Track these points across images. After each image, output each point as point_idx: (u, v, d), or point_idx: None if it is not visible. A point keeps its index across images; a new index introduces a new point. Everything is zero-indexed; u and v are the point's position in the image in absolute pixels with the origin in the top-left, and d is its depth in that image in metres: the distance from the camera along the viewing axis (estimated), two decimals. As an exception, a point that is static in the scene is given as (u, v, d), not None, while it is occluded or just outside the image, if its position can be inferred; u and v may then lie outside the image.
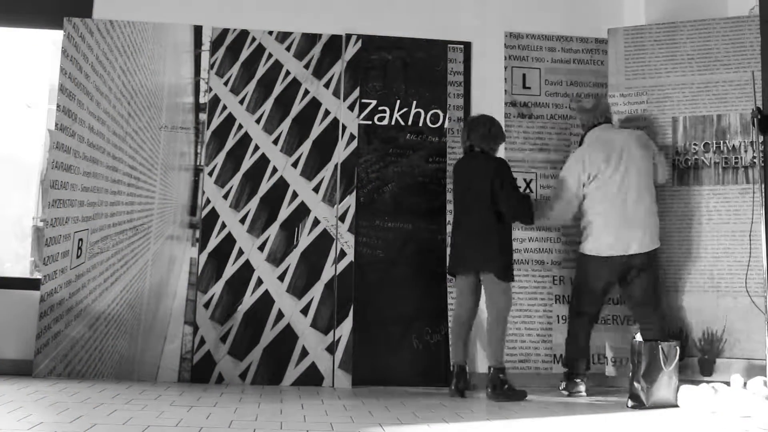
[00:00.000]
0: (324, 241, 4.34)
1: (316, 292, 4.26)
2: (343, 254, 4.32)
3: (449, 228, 4.34)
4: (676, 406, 3.68)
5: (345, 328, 4.24)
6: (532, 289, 4.43)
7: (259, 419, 3.04)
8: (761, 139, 4.18)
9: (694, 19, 4.50)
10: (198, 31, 4.46)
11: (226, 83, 4.44)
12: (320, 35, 4.52)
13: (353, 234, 4.35)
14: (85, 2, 4.43)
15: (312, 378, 4.18)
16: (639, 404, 3.63)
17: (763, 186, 4.21)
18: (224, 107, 4.42)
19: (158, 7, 4.50)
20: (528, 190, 4.50)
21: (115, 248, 4.22)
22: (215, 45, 4.46)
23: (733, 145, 4.33)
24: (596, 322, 4.20)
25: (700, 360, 4.21)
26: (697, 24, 4.47)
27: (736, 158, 4.32)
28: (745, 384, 3.60)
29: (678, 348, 3.73)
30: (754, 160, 4.23)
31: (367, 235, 4.40)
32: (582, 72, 4.67)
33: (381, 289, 4.37)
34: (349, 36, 4.54)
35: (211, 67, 4.45)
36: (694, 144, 4.38)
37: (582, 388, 4.04)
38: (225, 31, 4.48)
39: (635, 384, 3.66)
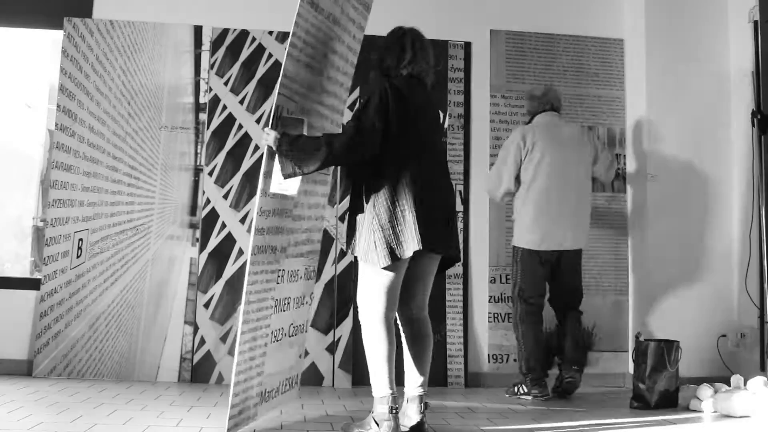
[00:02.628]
0: (324, 241, 4.32)
1: (316, 292, 4.26)
2: (343, 254, 4.32)
3: None
4: (678, 405, 3.68)
5: (345, 328, 4.24)
6: None
7: (259, 419, 3.04)
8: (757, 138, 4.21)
9: (569, 34, 4.69)
10: (198, 31, 4.46)
11: (226, 83, 4.44)
12: None
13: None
14: (85, 2, 4.43)
15: (312, 378, 4.18)
16: (643, 404, 3.62)
17: (763, 186, 4.22)
18: (224, 107, 4.42)
19: (159, 7, 4.50)
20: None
21: (115, 248, 4.22)
22: (215, 45, 4.46)
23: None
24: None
25: None
26: (572, 39, 4.68)
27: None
28: (745, 384, 3.60)
29: (681, 348, 3.73)
30: (619, 171, 4.56)
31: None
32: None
33: None
34: None
35: (211, 67, 4.44)
36: None
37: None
38: (225, 31, 4.47)
39: (640, 384, 3.65)
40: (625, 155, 4.63)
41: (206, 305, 4.23)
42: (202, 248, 4.28)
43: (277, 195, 2.87)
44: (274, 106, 2.84)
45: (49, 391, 3.58)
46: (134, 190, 4.28)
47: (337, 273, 4.30)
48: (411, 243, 2.73)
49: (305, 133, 3.00)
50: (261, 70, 4.46)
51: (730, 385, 3.63)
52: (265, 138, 2.80)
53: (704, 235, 4.47)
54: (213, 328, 4.21)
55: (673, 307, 4.35)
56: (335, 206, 4.36)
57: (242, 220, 4.32)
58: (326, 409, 3.37)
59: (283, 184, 2.87)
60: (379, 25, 4.51)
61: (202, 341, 4.19)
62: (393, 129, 2.81)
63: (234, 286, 4.25)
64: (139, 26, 4.40)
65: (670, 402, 3.67)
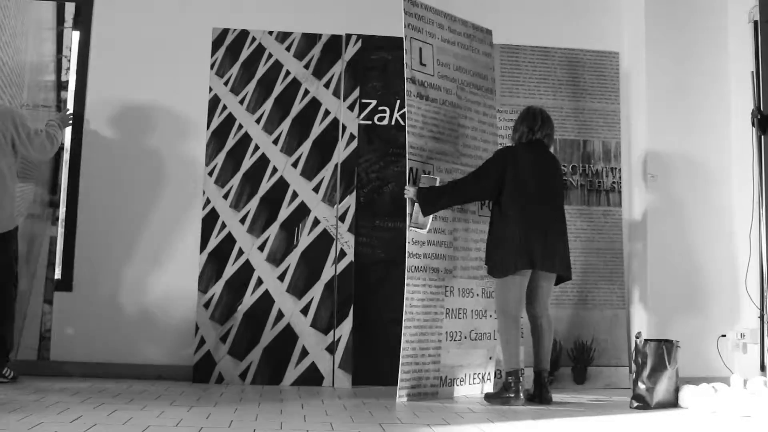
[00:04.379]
0: (324, 241, 4.33)
1: (316, 292, 4.26)
2: (343, 254, 4.32)
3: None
4: (677, 406, 3.68)
5: (345, 328, 4.24)
6: None
7: (259, 419, 3.04)
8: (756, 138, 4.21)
9: (564, 47, 4.69)
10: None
11: (226, 83, 4.44)
12: (320, 35, 4.52)
13: (353, 234, 4.35)
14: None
15: (312, 378, 4.18)
16: (644, 405, 3.62)
17: (763, 186, 4.23)
18: (224, 107, 4.42)
19: (157, 8, 4.50)
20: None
21: None
22: (215, 45, 4.46)
23: (597, 170, 4.61)
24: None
25: (573, 369, 4.43)
26: (567, 52, 4.68)
27: (599, 182, 4.61)
28: (745, 384, 3.60)
29: (680, 347, 3.73)
30: (614, 185, 4.61)
31: (367, 235, 4.40)
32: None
33: (381, 289, 4.37)
34: (349, 36, 4.54)
35: (212, 67, 4.44)
36: (564, 165, 4.56)
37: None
38: (225, 32, 4.48)
39: (640, 384, 3.64)
40: (620, 169, 4.64)
41: (206, 305, 4.23)
42: (202, 248, 4.28)
43: (430, 230, 3.84)
44: (407, 168, 3.82)
45: (49, 391, 3.58)
46: None
47: (337, 273, 4.30)
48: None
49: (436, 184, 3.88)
50: (261, 70, 4.46)
51: (730, 385, 3.63)
52: (406, 192, 3.82)
53: (704, 235, 4.48)
54: (213, 328, 4.21)
55: (673, 307, 4.36)
56: (335, 206, 4.36)
57: (242, 220, 4.32)
58: (326, 409, 3.37)
59: (417, 222, 3.82)
60: (380, 26, 4.58)
61: (202, 341, 4.19)
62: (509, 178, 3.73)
63: (234, 286, 4.25)
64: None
65: (670, 402, 3.67)
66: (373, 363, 4.27)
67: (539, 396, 3.72)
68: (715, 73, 4.60)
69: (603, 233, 4.57)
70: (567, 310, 4.49)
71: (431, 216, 3.82)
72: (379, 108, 4.52)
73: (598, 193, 4.62)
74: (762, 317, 4.18)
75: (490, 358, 4.06)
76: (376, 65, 4.55)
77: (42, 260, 4.23)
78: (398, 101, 4.51)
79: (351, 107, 4.47)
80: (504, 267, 3.70)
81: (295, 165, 4.40)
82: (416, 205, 3.80)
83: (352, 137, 4.44)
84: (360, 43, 4.53)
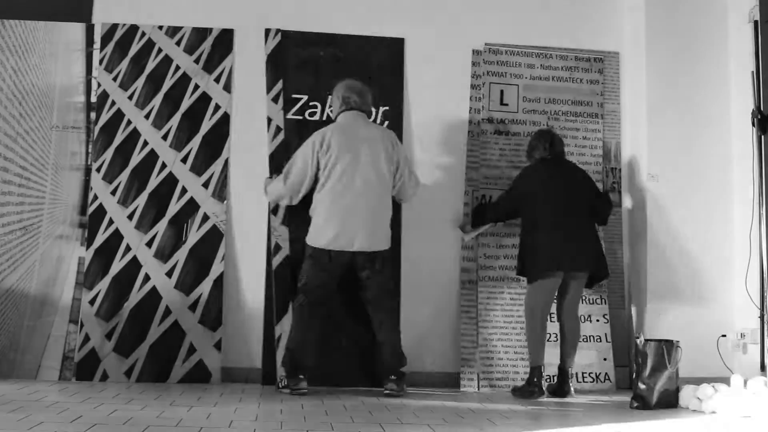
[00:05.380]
0: (213, 237, 4.29)
1: (205, 288, 4.22)
2: (278, 248, 4.24)
3: None
4: (677, 406, 3.68)
5: (285, 324, 4.12)
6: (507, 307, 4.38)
7: (259, 419, 3.04)
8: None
9: (564, 47, 4.65)
10: (90, 29, 4.40)
11: (115, 79, 4.38)
12: (211, 29, 4.46)
13: (287, 227, 4.26)
14: (86, 3, 4.43)
15: (199, 375, 4.11)
16: (643, 405, 3.62)
17: (763, 186, 4.23)
18: (113, 103, 4.36)
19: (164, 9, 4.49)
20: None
21: (2, 248, 4.19)
22: (104, 40, 4.41)
23: (597, 170, 4.60)
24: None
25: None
26: (567, 52, 4.65)
27: (600, 182, 4.58)
28: (745, 384, 3.60)
29: (680, 348, 3.73)
30: (614, 185, 4.64)
31: (305, 230, 4.13)
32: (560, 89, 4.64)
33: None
34: (268, 30, 4.45)
35: (101, 62, 4.39)
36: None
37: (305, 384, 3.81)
38: (114, 27, 4.42)
39: (640, 384, 3.64)
40: (620, 169, 4.64)
41: (91, 302, 4.16)
42: (89, 245, 4.22)
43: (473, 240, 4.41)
44: (473, 197, 4.45)
45: (49, 391, 3.58)
46: (24, 191, 4.25)
47: (273, 268, 4.21)
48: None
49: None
50: (150, 66, 4.42)
51: (730, 385, 3.63)
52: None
53: (704, 235, 4.47)
54: (98, 325, 4.14)
55: (673, 307, 4.36)
56: (224, 202, 4.31)
57: (130, 216, 4.27)
58: (326, 409, 3.37)
59: (465, 230, 4.41)
60: (379, 25, 4.57)
61: (87, 338, 4.11)
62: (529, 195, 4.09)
63: (121, 282, 4.20)
64: (30, 25, 4.36)
65: (670, 402, 3.67)
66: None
67: (559, 390, 3.98)
68: (715, 73, 4.60)
69: (603, 233, 4.55)
70: None
71: (477, 230, 4.34)
72: (311, 103, 4.43)
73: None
74: (762, 317, 4.18)
75: (605, 360, 4.34)
76: (308, 60, 4.46)
77: (69, 281, 4.21)
78: (329, 97, 4.38)
79: (275, 99, 4.39)
80: (533, 272, 3.98)
81: (184, 160, 4.35)
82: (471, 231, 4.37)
83: (278, 129, 4.37)
84: (279, 36, 4.45)
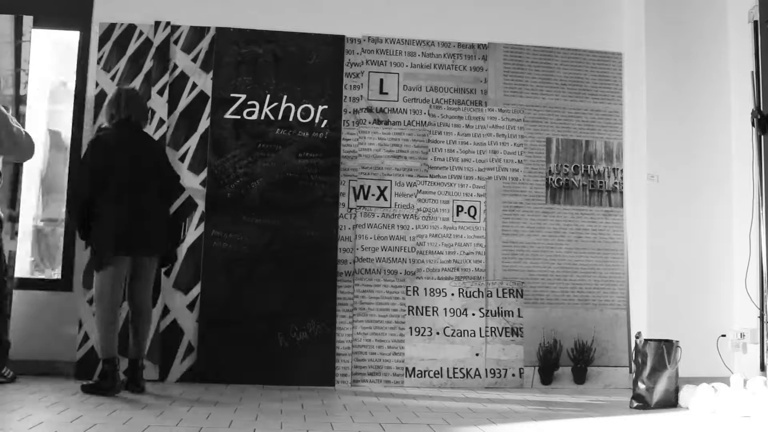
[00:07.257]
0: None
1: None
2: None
3: (341, 221, 4.34)
4: (677, 406, 3.68)
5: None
6: (384, 300, 4.36)
7: (259, 419, 3.04)
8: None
9: (566, 47, 4.70)
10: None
11: (113, 78, 4.35)
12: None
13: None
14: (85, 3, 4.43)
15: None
16: (643, 405, 3.62)
17: (763, 186, 4.23)
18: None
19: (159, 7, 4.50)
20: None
21: None
22: (102, 40, 4.39)
23: (599, 170, 4.63)
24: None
25: (573, 369, 4.43)
26: (569, 53, 4.69)
27: (601, 182, 4.63)
28: (745, 384, 3.60)
29: (680, 348, 3.73)
30: (615, 186, 4.62)
31: (233, 231, 4.26)
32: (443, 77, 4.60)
33: (247, 284, 4.25)
34: (162, 23, 4.42)
35: (98, 61, 4.37)
36: (566, 165, 4.60)
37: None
38: (112, 26, 4.38)
39: (639, 384, 3.64)
40: (622, 169, 4.64)
41: (90, 302, 4.08)
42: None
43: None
44: (349, 186, 4.36)
45: (49, 391, 3.58)
46: None
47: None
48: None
49: None
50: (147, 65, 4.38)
51: (729, 385, 3.63)
52: None
53: (704, 235, 4.47)
54: None
55: (673, 307, 4.36)
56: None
57: None
58: (326, 409, 3.37)
59: None
60: (380, 26, 4.57)
61: (86, 338, 4.10)
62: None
63: None
64: None
65: (670, 402, 3.67)
66: (235, 360, 4.16)
67: (132, 384, 3.65)
68: (715, 73, 4.60)
69: (604, 233, 4.57)
70: (567, 310, 4.49)
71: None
72: (249, 102, 4.41)
73: (600, 194, 4.63)
74: (762, 317, 4.18)
75: (477, 355, 4.30)
76: (245, 59, 4.44)
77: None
78: (268, 96, 4.42)
79: (161, 92, 4.34)
80: (100, 256, 3.63)
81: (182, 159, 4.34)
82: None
83: (161, 122, 4.32)
84: (169, 29, 4.42)
